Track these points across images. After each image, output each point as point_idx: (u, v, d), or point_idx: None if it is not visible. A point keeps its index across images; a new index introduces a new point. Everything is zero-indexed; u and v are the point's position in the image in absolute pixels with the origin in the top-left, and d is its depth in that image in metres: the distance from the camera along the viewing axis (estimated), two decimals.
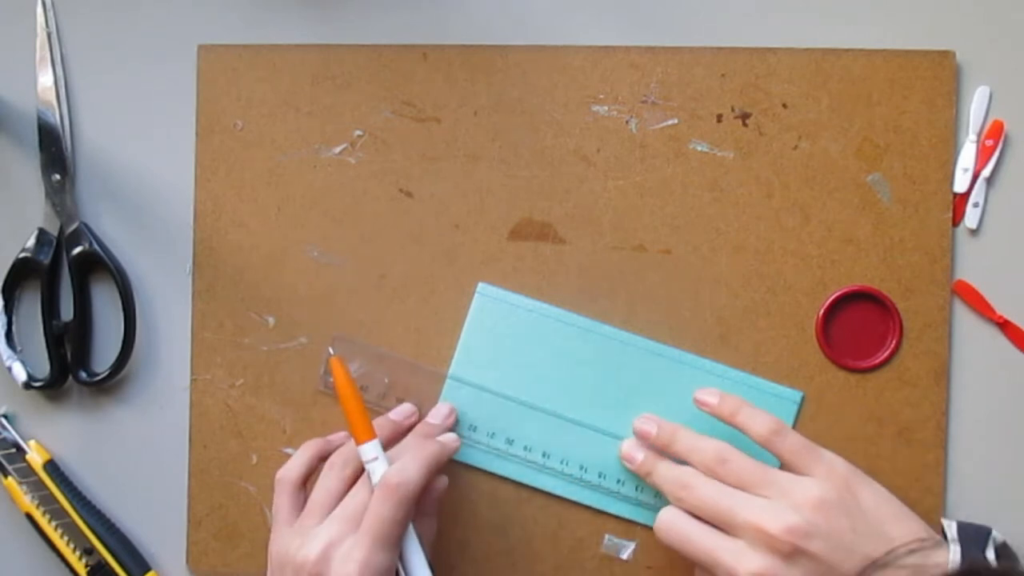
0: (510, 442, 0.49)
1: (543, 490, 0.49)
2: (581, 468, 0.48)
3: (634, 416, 0.48)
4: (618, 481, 0.48)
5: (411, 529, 0.43)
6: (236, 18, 0.52)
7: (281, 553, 0.43)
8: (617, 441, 0.48)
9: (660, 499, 0.47)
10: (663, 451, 0.46)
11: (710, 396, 0.46)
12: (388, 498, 0.41)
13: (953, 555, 0.41)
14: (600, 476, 0.48)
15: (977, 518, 0.47)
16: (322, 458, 0.46)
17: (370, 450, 0.43)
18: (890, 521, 0.42)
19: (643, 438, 0.47)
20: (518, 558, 0.49)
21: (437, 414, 0.48)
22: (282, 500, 0.45)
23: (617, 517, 0.49)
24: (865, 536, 0.41)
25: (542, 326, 0.49)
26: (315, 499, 0.43)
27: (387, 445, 0.44)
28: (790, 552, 0.40)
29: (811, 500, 0.41)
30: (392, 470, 0.42)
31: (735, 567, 0.41)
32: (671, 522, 0.44)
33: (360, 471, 0.44)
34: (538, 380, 0.49)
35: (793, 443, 0.44)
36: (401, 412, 0.48)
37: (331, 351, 0.47)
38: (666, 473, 0.45)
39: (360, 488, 0.43)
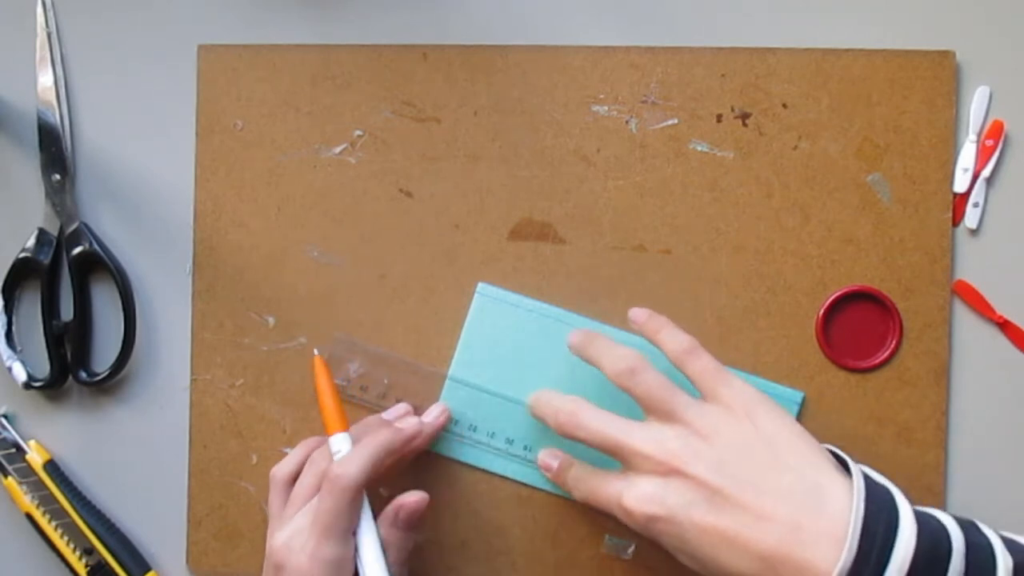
0: (510, 442, 0.49)
1: (543, 489, 0.49)
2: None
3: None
4: None
5: (370, 524, 0.43)
6: (236, 18, 0.52)
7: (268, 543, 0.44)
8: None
9: None
10: (580, 356, 0.46)
11: (640, 314, 0.45)
12: (330, 489, 0.41)
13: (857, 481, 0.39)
14: None
15: (977, 517, 0.47)
16: None
17: (337, 442, 0.44)
18: (787, 450, 0.40)
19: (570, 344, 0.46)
20: (518, 558, 0.49)
21: (431, 412, 0.48)
22: (273, 497, 0.45)
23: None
24: (759, 465, 0.39)
25: (542, 326, 0.49)
26: (294, 493, 0.44)
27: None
28: (668, 473, 0.40)
29: (706, 426, 0.40)
30: (336, 463, 0.42)
31: (620, 496, 0.41)
32: (568, 462, 0.45)
33: None
34: (538, 380, 0.49)
35: (705, 365, 0.42)
36: (395, 412, 0.48)
37: (316, 351, 0.47)
38: (552, 401, 0.44)
39: (320, 462, 0.44)
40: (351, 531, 0.42)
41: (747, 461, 0.39)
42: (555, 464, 0.46)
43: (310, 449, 0.46)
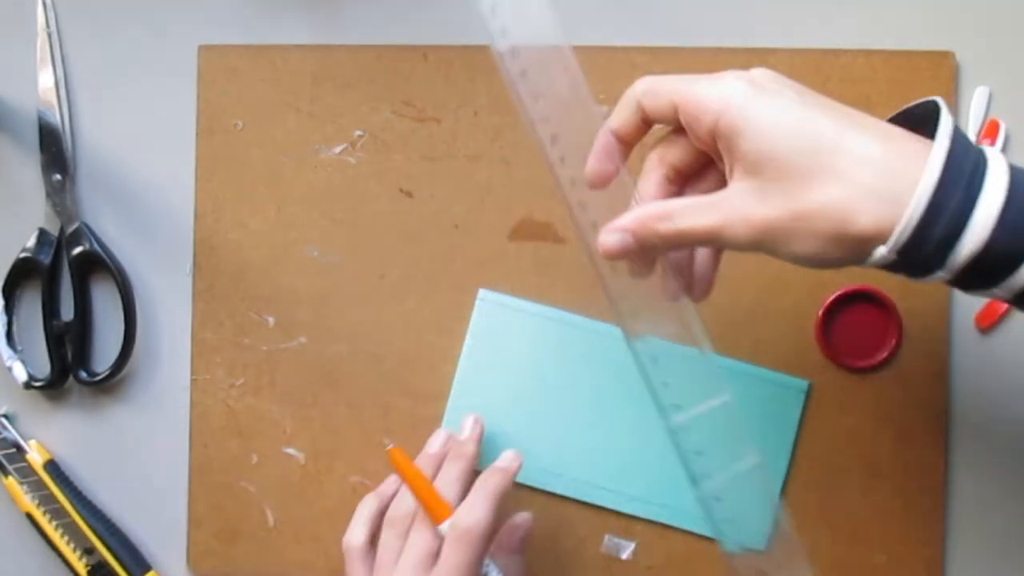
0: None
1: (543, 491, 0.49)
2: (585, 469, 0.48)
3: (636, 413, 0.48)
4: (619, 479, 0.48)
5: (496, 571, 0.43)
6: (236, 18, 0.52)
7: None
8: (620, 440, 0.48)
9: (662, 498, 0.47)
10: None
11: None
12: (459, 542, 0.40)
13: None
14: (604, 475, 0.48)
15: (977, 517, 0.47)
16: (381, 513, 0.45)
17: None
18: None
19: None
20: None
21: (464, 428, 0.47)
22: (353, 567, 0.44)
23: (618, 515, 0.49)
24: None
25: (543, 329, 0.49)
26: (380, 558, 0.43)
27: (434, 476, 0.44)
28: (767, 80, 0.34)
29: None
30: (461, 513, 0.41)
31: (713, 79, 0.35)
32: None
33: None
34: (544, 384, 0.49)
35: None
36: (437, 442, 0.47)
37: (387, 444, 0.47)
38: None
39: (420, 533, 0.42)
40: None
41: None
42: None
43: (374, 509, 0.45)
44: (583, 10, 0.50)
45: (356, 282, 0.50)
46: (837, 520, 0.48)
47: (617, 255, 0.35)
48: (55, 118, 0.51)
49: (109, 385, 0.52)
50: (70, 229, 0.51)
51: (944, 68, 0.48)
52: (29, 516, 0.50)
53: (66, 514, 0.50)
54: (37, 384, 0.51)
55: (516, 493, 0.49)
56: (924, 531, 0.48)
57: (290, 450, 0.50)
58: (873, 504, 0.48)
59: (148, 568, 0.51)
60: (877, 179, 0.30)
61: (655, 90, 0.36)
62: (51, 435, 0.52)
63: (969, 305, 0.48)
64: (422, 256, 0.50)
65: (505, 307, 0.49)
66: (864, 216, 0.31)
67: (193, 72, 0.51)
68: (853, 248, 0.32)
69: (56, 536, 0.50)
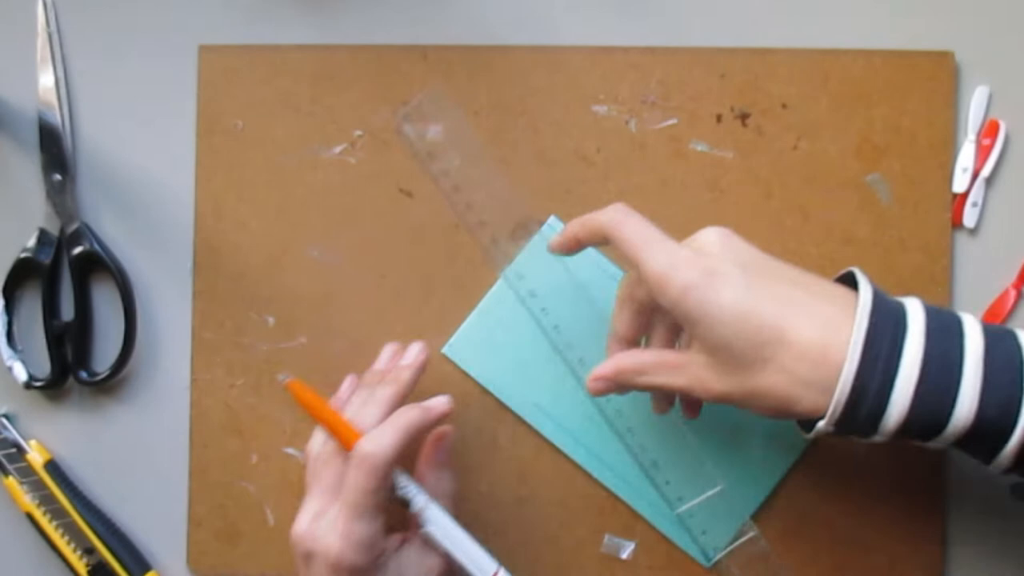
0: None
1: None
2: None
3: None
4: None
5: (426, 498, 0.42)
6: (236, 18, 0.52)
7: None
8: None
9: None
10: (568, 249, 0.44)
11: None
12: (360, 467, 0.40)
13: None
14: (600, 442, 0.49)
15: (977, 517, 0.47)
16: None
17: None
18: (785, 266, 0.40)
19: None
20: (518, 558, 0.49)
21: (408, 354, 0.47)
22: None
23: (618, 514, 0.49)
24: (766, 258, 0.40)
25: (594, 276, 0.49)
26: (307, 477, 0.44)
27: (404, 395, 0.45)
28: (726, 251, 0.39)
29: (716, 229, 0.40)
30: (365, 439, 0.41)
31: (672, 252, 0.39)
32: (611, 210, 0.41)
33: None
34: (567, 329, 0.48)
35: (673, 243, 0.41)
36: (384, 359, 0.48)
37: (282, 378, 0.46)
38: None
39: (332, 457, 0.43)
40: (380, 509, 0.41)
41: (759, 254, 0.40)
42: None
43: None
44: (583, 10, 0.50)
45: (356, 282, 0.50)
46: (837, 521, 0.48)
47: (602, 395, 0.43)
48: (55, 118, 0.51)
49: (109, 385, 0.52)
50: (70, 229, 0.51)
51: (944, 68, 0.48)
52: (29, 516, 0.50)
53: (66, 514, 0.50)
54: (37, 384, 0.51)
55: (516, 490, 0.49)
56: (924, 531, 0.48)
57: (290, 450, 0.50)
58: (873, 505, 0.48)
59: (148, 568, 0.51)
60: (811, 371, 0.36)
61: (617, 239, 0.41)
62: (51, 435, 0.52)
63: (971, 306, 0.48)
64: (422, 256, 0.50)
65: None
66: (804, 401, 0.37)
67: (193, 72, 0.51)
68: (800, 418, 0.39)
69: (56, 536, 0.50)
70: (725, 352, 0.38)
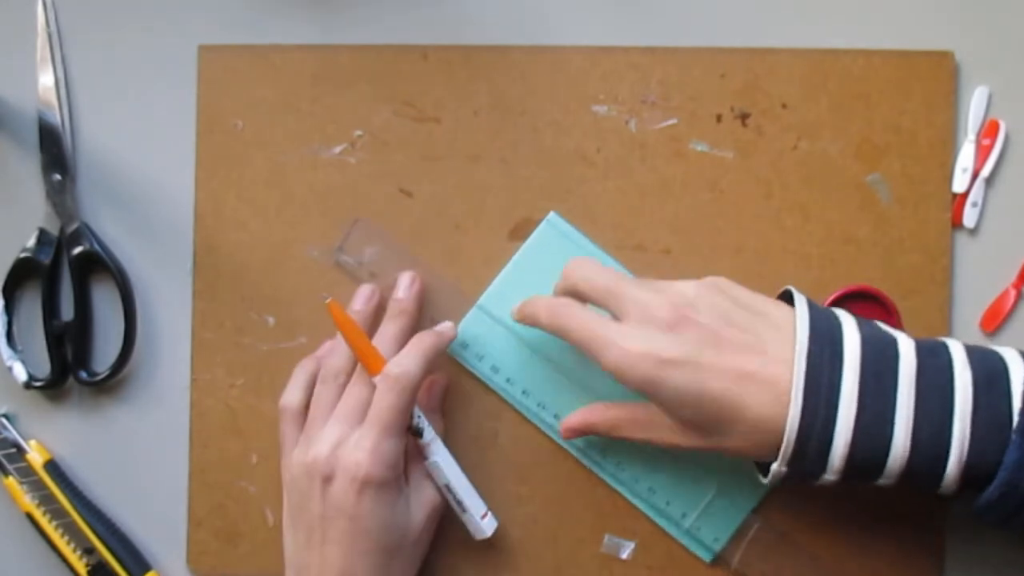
0: (509, 381, 0.49)
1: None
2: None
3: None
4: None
5: (433, 434, 0.46)
6: (236, 18, 0.52)
7: (292, 468, 0.45)
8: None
9: (658, 496, 0.48)
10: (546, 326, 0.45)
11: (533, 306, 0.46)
12: (391, 389, 0.43)
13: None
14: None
15: (977, 519, 0.47)
16: (316, 376, 0.47)
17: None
18: (764, 303, 0.42)
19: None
20: (518, 558, 0.49)
21: (400, 285, 0.48)
22: (287, 428, 0.47)
23: (618, 514, 0.49)
24: (745, 309, 0.41)
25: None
26: (313, 412, 0.46)
27: (369, 333, 0.46)
28: (676, 323, 0.40)
29: (691, 285, 0.42)
30: (392, 363, 0.44)
31: (624, 339, 0.40)
32: (555, 303, 0.44)
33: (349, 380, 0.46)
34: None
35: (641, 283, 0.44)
36: (362, 298, 0.48)
37: (326, 297, 0.47)
38: (541, 298, 0.46)
39: (355, 385, 0.45)
40: (406, 429, 0.44)
41: (737, 308, 0.41)
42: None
43: (309, 371, 0.47)
44: (583, 10, 0.50)
45: (356, 282, 0.50)
46: (837, 523, 0.48)
47: (576, 438, 0.47)
48: (55, 118, 0.51)
49: (109, 385, 0.52)
50: (70, 229, 0.51)
51: (944, 68, 0.48)
52: (29, 516, 0.50)
53: (66, 514, 0.50)
54: (37, 384, 0.51)
55: (516, 489, 0.49)
56: (924, 534, 0.48)
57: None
58: (873, 507, 0.48)
59: (148, 568, 0.51)
60: (766, 434, 0.39)
61: (565, 338, 0.43)
62: (51, 435, 0.52)
63: (971, 306, 0.48)
64: (422, 256, 0.50)
65: (568, 239, 0.49)
66: (762, 450, 0.40)
67: (193, 72, 0.51)
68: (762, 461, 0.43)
69: (56, 536, 0.50)
70: (688, 424, 0.41)
